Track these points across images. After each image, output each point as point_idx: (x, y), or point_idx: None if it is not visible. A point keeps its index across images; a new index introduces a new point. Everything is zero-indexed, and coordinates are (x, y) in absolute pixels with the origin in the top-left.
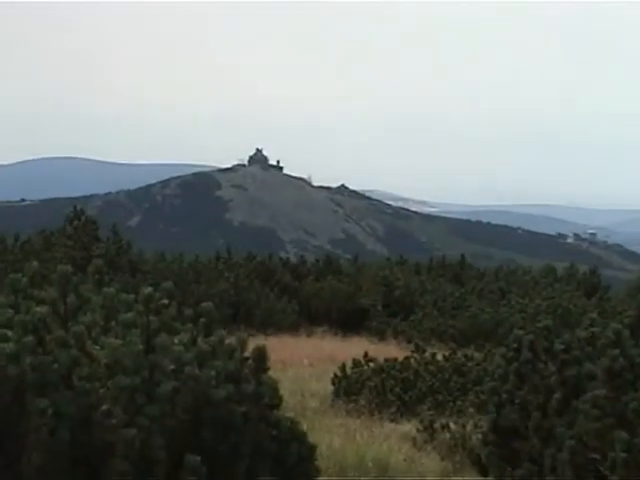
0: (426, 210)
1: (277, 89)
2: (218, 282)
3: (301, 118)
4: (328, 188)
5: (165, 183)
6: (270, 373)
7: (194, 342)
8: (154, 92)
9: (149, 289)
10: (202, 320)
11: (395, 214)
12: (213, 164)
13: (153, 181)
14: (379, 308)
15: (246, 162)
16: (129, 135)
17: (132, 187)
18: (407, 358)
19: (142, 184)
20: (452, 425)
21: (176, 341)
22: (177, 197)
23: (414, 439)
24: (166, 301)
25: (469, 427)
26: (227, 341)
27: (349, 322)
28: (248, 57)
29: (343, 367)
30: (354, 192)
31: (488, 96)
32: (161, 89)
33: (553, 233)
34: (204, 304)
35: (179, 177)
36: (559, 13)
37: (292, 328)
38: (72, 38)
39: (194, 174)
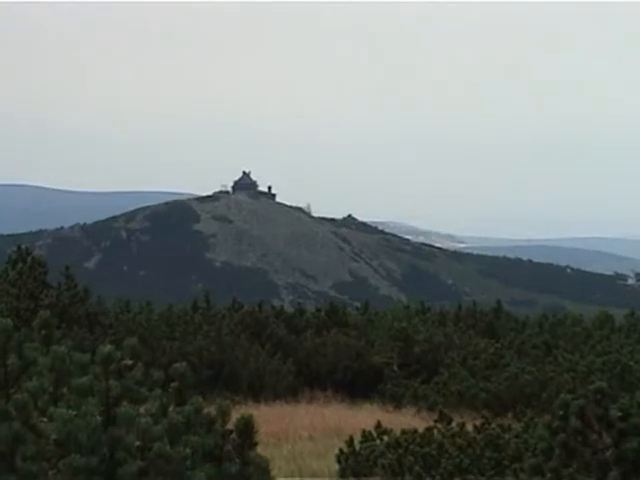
0: (453, 246)
1: (267, 104)
2: (196, 337)
3: (296, 137)
4: (331, 220)
5: (130, 215)
6: (259, 450)
7: (165, 412)
8: (115, 108)
9: (109, 347)
10: (174, 384)
11: (415, 251)
12: (189, 191)
13: (116, 213)
14: (395, 368)
15: (230, 188)
16: (86, 158)
17: (90, 220)
18: (429, 429)
19: (102, 216)
20: None
21: (142, 411)
22: (145, 232)
23: None
24: (130, 361)
25: None
26: (206, 410)
27: (358, 385)
28: (233, 68)
29: (351, 441)
30: (363, 224)
31: (525, 107)
32: (124, 104)
33: (609, 272)
34: (177, 365)
35: (148, 207)
36: None
37: (288, 393)
38: (17, 50)
39: (166, 204)
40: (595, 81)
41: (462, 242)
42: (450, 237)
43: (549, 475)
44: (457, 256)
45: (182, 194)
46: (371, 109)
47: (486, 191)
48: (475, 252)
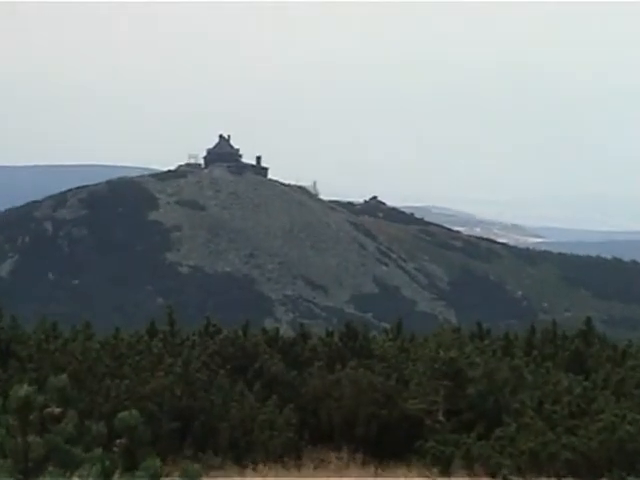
0: (524, 241)
1: (255, 51)
2: (153, 375)
3: (295, 90)
4: (349, 204)
5: (58, 199)
6: None
7: None
8: (36, 54)
9: (28, 389)
10: (121, 442)
11: (468, 249)
12: (142, 165)
13: (37, 196)
14: (440, 417)
15: (202, 160)
16: None
17: (0, 207)
18: None
19: (17, 201)
20: None
21: (76, 479)
22: (80, 223)
23: None
24: (58, 409)
25: None
26: (167, 478)
27: (387, 442)
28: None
29: None
30: (394, 211)
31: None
32: (47, 50)
33: None
34: (125, 414)
35: (83, 188)
36: None
37: (287, 454)
38: None
39: (110, 182)
40: None
41: (537, 236)
42: (519, 229)
43: None
44: (530, 256)
45: (132, 168)
46: (399, 51)
47: (570, 165)
48: (556, 250)
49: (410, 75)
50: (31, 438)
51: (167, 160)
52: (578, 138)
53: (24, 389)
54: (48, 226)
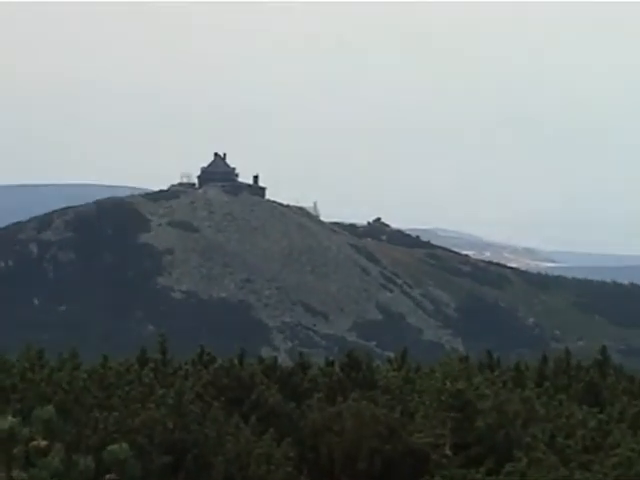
0: (536, 266)
1: (252, 67)
2: (144, 406)
3: (296, 108)
4: (351, 226)
5: (44, 220)
6: None
7: None
8: (19, 71)
9: (12, 420)
10: (110, 477)
11: (477, 274)
12: (133, 184)
13: (21, 217)
14: (447, 451)
15: (196, 179)
16: None
17: None
18: None
19: (1, 222)
20: None
21: None
22: (67, 246)
23: None
24: (44, 442)
25: None
26: None
27: (392, 478)
28: (200, 24)
29: None
30: (399, 233)
31: None
32: (31, 60)
33: None
34: (115, 447)
35: (69, 209)
36: None
37: None
38: None
39: (98, 203)
40: None
41: (550, 260)
42: (531, 252)
43: None
44: (542, 281)
45: (122, 188)
46: (400, 65)
47: (586, 185)
48: (570, 275)
49: (410, 91)
50: (15, 473)
51: (159, 179)
52: (592, 154)
53: (8, 421)
54: (33, 248)
